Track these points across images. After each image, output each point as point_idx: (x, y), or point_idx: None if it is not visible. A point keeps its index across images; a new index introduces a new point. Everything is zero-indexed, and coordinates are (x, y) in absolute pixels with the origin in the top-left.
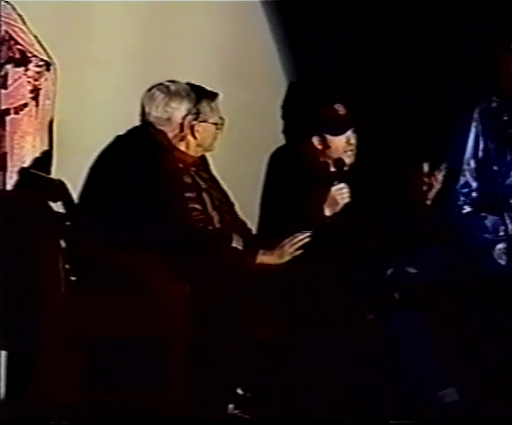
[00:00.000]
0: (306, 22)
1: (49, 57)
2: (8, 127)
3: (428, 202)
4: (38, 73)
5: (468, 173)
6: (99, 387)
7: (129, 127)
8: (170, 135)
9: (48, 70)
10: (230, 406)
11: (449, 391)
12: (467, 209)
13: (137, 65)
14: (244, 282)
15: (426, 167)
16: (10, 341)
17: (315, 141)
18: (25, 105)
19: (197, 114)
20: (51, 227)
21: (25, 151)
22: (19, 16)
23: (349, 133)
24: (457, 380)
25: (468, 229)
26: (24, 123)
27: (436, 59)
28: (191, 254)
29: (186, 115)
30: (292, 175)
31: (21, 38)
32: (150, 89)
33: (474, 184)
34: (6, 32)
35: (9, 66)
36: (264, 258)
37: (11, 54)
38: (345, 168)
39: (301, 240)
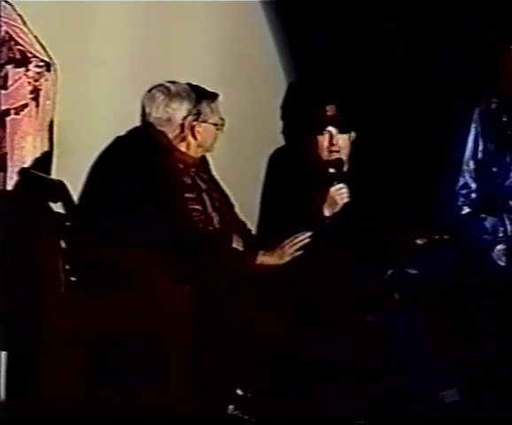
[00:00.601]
0: (306, 22)
1: (49, 57)
2: (8, 128)
3: None
4: (38, 73)
5: (467, 174)
6: (99, 387)
7: (130, 127)
8: (170, 135)
9: (48, 70)
10: (230, 407)
11: (450, 392)
12: (466, 210)
13: (137, 66)
14: (244, 283)
15: None
16: (10, 341)
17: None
18: (25, 106)
19: (198, 115)
20: (51, 227)
21: (25, 152)
22: (20, 16)
23: (333, 133)
24: (457, 381)
25: (467, 230)
26: (24, 124)
27: (435, 60)
28: (191, 255)
29: (186, 116)
30: (292, 176)
31: (21, 38)
32: (150, 90)
33: (473, 185)
34: (6, 32)
35: (9, 67)
36: (264, 258)
37: (11, 54)
38: (344, 169)
39: (301, 240)
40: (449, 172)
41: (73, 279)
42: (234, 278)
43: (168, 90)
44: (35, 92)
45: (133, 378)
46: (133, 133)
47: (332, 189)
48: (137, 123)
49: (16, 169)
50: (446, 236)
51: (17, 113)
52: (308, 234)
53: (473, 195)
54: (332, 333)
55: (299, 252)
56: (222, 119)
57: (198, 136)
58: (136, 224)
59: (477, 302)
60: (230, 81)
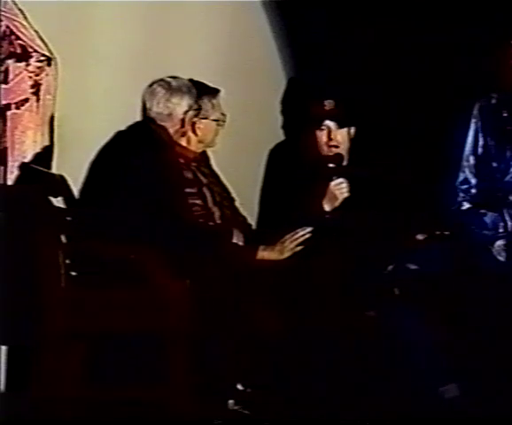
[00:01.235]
0: (305, 19)
1: (50, 52)
2: (9, 123)
3: None
4: (39, 68)
5: (467, 170)
6: (99, 382)
7: (130, 122)
8: (171, 130)
9: (49, 65)
10: (230, 402)
11: (450, 387)
12: (466, 205)
13: (138, 61)
14: (245, 278)
15: None
16: (10, 336)
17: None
18: (26, 100)
19: (199, 110)
20: (52, 222)
21: (26, 146)
22: (20, 11)
23: (332, 127)
24: (458, 376)
25: (467, 226)
26: (25, 118)
27: (435, 56)
28: (192, 250)
29: (187, 111)
30: (291, 171)
31: (22, 33)
32: (151, 85)
33: (473, 181)
34: (7, 27)
35: (10, 61)
36: (264, 253)
37: (12, 49)
38: (344, 163)
39: (302, 236)
40: (449, 167)
41: (73, 274)
42: (234, 273)
43: (169, 85)
44: (36, 87)
45: (133, 373)
46: (134, 128)
47: (332, 184)
48: (138, 118)
49: (17, 164)
50: (446, 232)
51: (17, 108)
52: (309, 229)
53: (473, 190)
54: (332, 328)
55: (300, 248)
56: (224, 115)
57: (199, 132)
58: (137, 219)
59: (477, 297)
60: (230, 76)
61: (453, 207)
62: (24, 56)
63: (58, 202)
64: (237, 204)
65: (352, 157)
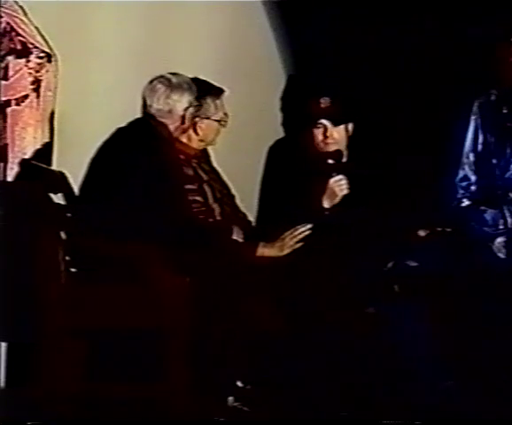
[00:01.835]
0: (305, 19)
1: (50, 48)
2: (9, 119)
3: None
4: (39, 64)
5: (467, 167)
6: (99, 378)
7: (131, 119)
8: (171, 127)
9: (49, 61)
10: (230, 399)
11: (450, 385)
12: (466, 202)
13: (139, 58)
14: (245, 275)
15: None
16: (10, 332)
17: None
18: (26, 97)
19: (199, 107)
20: (52, 218)
21: (26, 143)
22: (21, 7)
23: (327, 125)
24: (457, 373)
25: (467, 223)
26: (25, 115)
27: (435, 52)
28: (192, 247)
29: (187, 107)
30: (291, 168)
31: (23, 29)
32: (151, 82)
33: (473, 177)
34: (7, 23)
35: (10, 58)
36: (264, 250)
37: (12, 45)
38: (343, 160)
39: (302, 232)
40: (449, 164)
41: (73, 270)
42: (234, 270)
43: (169, 82)
44: (36, 83)
45: (133, 370)
46: (134, 124)
47: (331, 181)
48: (138, 114)
49: (17, 160)
50: (448, 229)
51: (18, 104)
52: (309, 226)
53: (473, 187)
54: (332, 325)
55: (300, 244)
56: (226, 115)
57: (200, 132)
58: (137, 216)
59: (477, 294)
60: (231, 74)
61: (453, 204)
62: (24, 52)
63: (58, 198)
64: (237, 200)
65: (351, 154)
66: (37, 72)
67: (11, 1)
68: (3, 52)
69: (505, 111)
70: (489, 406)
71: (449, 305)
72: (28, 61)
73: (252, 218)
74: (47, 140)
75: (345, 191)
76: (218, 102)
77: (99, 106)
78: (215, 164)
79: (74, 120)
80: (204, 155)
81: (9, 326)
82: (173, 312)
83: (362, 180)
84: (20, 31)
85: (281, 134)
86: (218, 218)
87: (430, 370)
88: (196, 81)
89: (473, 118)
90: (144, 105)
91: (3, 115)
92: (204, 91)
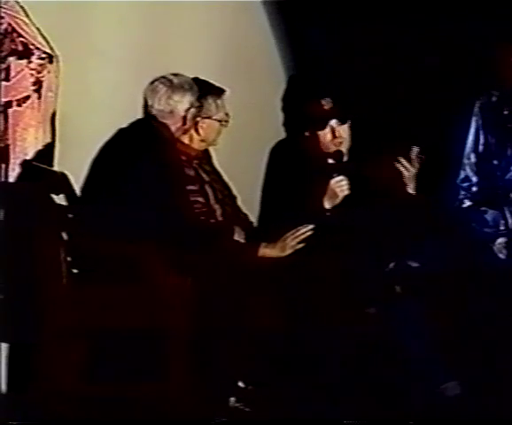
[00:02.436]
0: (305, 19)
1: (51, 49)
2: (10, 120)
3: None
4: (41, 65)
5: (468, 168)
6: (101, 380)
7: (132, 119)
8: (173, 128)
9: (50, 62)
10: (232, 399)
11: (451, 385)
12: (467, 203)
13: (140, 59)
14: (246, 275)
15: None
16: (12, 333)
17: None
18: (27, 98)
19: (200, 107)
20: (53, 219)
21: (27, 144)
22: (22, 8)
23: (334, 125)
24: (459, 373)
25: (468, 223)
26: (26, 115)
27: (436, 53)
28: (193, 247)
29: (189, 108)
30: (292, 169)
31: (24, 30)
32: (152, 82)
33: (474, 178)
34: (9, 24)
35: (11, 59)
36: (266, 251)
37: (13, 46)
38: (344, 160)
39: (303, 233)
40: (450, 165)
41: (74, 271)
42: (235, 270)
43: (171, 82)
44: (38, 84)
45: (134, 370)
46: (135, 125)
47: (332, 182)
48: (140, 115)
49: (18, 161)
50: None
51: (19, 105)
52: (310, 226)
53: (474, 188)
54: (333, 325)
55: (301, 245)
56: (227, 115)
57: (202, 132)
58: (138, 217)
59: (478, 295)
60: (232, 74)
61: (454, 205)
62: (26, 53)
63: (59, 199)
64: (239, 201)
65: (352, 154)
66: (39, 73)
67: (12, 2)
68: (4, 53)
69: (506, 112)
70: (490, 406)
71: (450, 305)
72: (30, 62)
73: (253, 219)
74: (48, 141)
75: (346, 192)
76: (219, 102)
77: (101, 107)
78: (217, 165)
79: (76, 121)
80: (205, 156)
81: (11, 326)
82: (174, 312)
83: (363, 180)
84: (22, 32)
85: (282, 134)
86: (219, 219)
87: (432, 370)
88: (196, 81)
89: (474, 119)
90: (146, 106)
91: (4, 116)
92: (205, 91)
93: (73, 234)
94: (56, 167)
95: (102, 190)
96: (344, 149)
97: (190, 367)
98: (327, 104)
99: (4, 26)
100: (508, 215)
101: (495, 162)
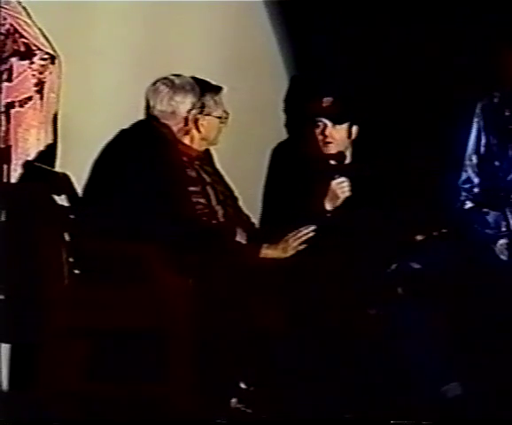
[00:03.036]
0: (307, 19)
1: (53, 50)
2: (12, 121)
3: None
4: (43, 66)
5: (469, 169)
6: (102, 380)
7: (134, 120)
8: (174, 128)
9: (52, 63)
10: (233, 400)
11: (452, 386)
12: (469, 204)
13: (142, 59)
14: (248, 276)
15: None
16: (14, 333)
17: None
18: (29, 98)
19: (202, 108)
20: (55, 220)
21: (29, 145)
22: (24, 9)
23: (326, 124)
24: (460, 374)
25: (470, 225)
26: (28, 116)
27: (438, 54)
28: (195, 248)
29: (191, 109)
30: (294, 170)
31: (26, 31)
32: (154, 83)
33: (476, 180)
34: (11, 25)
35: (14, 60)
36: (268, 252)
37: (15, 47)
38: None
39: (305, 234)
40: (452, 166)
41: (76, 272)
42: (237, 271)
43: (172, 83)
44: (40, 85)
45: (135, 371)
46: (137, 126)
47: (333, 183)
48: (141, 116)
49: (20, 162)
50: (444, 230)
51: (21, 106)
52: (312, 227)
53: (476, 189)
54: (334, 327)
55: (303, 246)
56: (226, 112)
57: (202, 129)
58: (140, 217)
59: (480, 296)
60: (234, 75)
61: (455, 206)
62: (28, 54)
63: (61, 200)
64: (240, 202)
65: (354, 156)
66: (41, 73)
67: (14, 2)
68: (6, 54)
69: (507, 113)
70: (492, 407)
71: (452, 306)
72: (32, 63)
73: (255, 220)
74: (50, 141)
75: (347, 193)
76: (217, 98)
77: (102, 108)
78: (218, 166)
79: (78, 122)
80: (207, 157)
81: (12, 327)
82: (176, 313)
83: (364, 182)
84: (24, 33)
85: (284, 135)
86: (221, 220)
87: (433, 371)
88: (194, 80)
89: (476, 120)
90: (147, 107)
91: (6, 117)
92: (203, 89)
93: (74, 234)
94: (58, 168)
95: (104, 191)
96: (337, 150)
97: (191, 368)
98: (326, 102)
99: (6, 26)
100: (509, 216)
101: (497, 163)
